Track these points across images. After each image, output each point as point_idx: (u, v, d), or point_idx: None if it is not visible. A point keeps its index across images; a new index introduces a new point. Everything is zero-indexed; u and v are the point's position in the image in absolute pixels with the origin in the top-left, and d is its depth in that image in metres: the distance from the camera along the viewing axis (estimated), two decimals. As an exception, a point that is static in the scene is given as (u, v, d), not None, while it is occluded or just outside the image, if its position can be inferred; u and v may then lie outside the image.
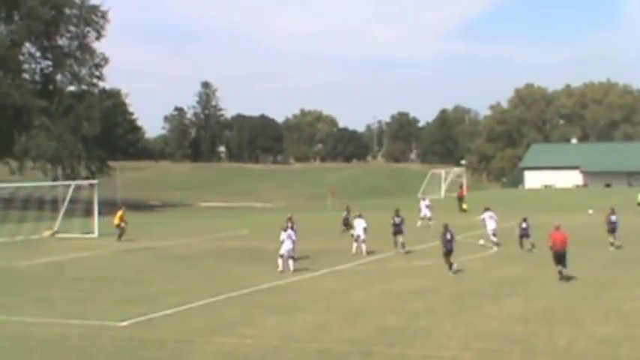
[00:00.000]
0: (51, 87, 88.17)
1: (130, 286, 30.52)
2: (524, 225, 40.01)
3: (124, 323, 22.84)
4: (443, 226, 33.68)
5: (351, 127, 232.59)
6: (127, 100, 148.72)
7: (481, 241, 42.63)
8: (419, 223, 53.96)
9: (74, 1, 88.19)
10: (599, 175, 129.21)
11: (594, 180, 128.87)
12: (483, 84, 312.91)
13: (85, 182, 62.52)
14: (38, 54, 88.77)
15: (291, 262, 33.38)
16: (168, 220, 69.38)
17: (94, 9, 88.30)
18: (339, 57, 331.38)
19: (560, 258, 30.04)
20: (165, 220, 70.61)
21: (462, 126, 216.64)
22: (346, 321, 22.93)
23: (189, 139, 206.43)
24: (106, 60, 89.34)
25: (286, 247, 33.42)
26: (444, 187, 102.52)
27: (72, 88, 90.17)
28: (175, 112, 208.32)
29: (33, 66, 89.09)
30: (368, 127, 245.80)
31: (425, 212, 55.58)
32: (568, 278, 30.10)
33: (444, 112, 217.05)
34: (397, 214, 40.41)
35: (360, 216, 39.96)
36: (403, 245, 39.94)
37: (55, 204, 59.23)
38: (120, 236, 47.93)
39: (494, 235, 42.23)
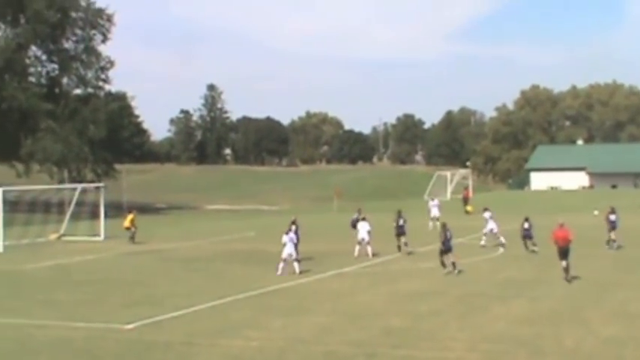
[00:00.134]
0: (57, 90, 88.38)
1: (135, 288, 30.57)
2: (526, 225, 39.95)
3: (130, 326, 22.86)
4: (441, 226, 34.37)
5: (356, 129, 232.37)
6: (133, 103, 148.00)
7: (482, 242, 42.61)
8: (430, 224, 53.31)
9: (80, 4, 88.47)
10: (606, 177, 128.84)
11: (600, 181, 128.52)
12: (489, 85, 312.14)
13: (91, 185, 62.63)
14: (44, 57, 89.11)
15: (296, 264, 33.41)
16: (174, 223, 69.43)
17: (100, 12, 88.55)
18: (344, 58, 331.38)
19: (563, 254, 30.57)
20: (171, 222, 70.68)
21: (467, 127, 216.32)
22: (352, 323, 22.93)
23: (195, 142, 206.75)
24: (111, 63, 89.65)
25: (288, 250, 33.44)
26: (449, 188, 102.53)
27: (78, 91, 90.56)
28: (181, 115, 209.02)
29: (39, 69, 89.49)
30: (373, 128, 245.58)
31: (434, 213, 55.23)
32: (572, 277, 30.20)
33: (449, 113, 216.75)
34: (400, 215, 40.63)
35: (364, 219, 39.97)
36: (406, 244, 40.20)
37: (61, 207, 59.31)
38: (132, 238, 48.00)
39: (495, 235, 42.26)
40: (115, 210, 66.91)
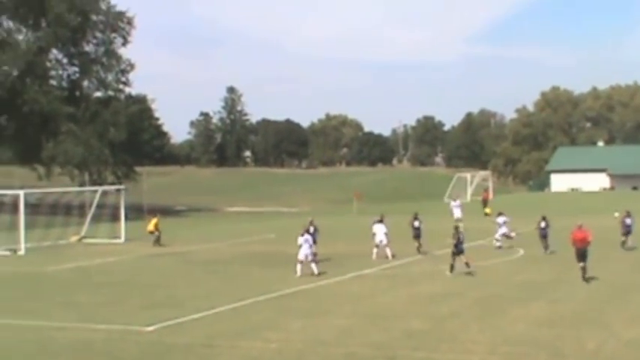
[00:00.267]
0: (77, 93, 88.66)
1: (155, 290, 30.65)
2: (542, 224, 39.83)
3: (150, 328, 22.93)
4: (454, 228, 34.32)
5: (376, 131, 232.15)
6: (153, 106, 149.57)
7: (497, 244, 42.49)
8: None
9: (100, 8, 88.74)
10: (626, 178, 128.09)
11: (621, 183, 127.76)
12: (509, 87, 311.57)
13: (112, 188, 62.86)
14: (65, 60, 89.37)
15: (313, 265, 33.39)
16: (194, 225, 69.55)
17: (120, 15, 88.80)
18: (364, 60, 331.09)
19: (581, 255, 30.54)
20: (191, 225, 70.80)
21: (487, 129, 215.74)
22: (372, 325, 22.91)
23: (215, 144, 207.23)
24: (132, 66, 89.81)
25: (304, 251, 33.41)
26: (469, 190, 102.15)
27: (98, 94, 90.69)
28: (201, 117, 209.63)
29: (60, 72, 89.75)
30: (393, 130, 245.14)
31: (457, 214, 55.02)
32: (589, 278, 30.19)
33: (469, 115, 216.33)
34: (416, 217, 40.88)
35: (380, 221, 39.89)
36: (420, 245, 40.53)
37: (82, 209, 59.59)
38: (157, 241, 47.92)
39: (499, 237, 42.22)
40: (136, 212, 67.13)
